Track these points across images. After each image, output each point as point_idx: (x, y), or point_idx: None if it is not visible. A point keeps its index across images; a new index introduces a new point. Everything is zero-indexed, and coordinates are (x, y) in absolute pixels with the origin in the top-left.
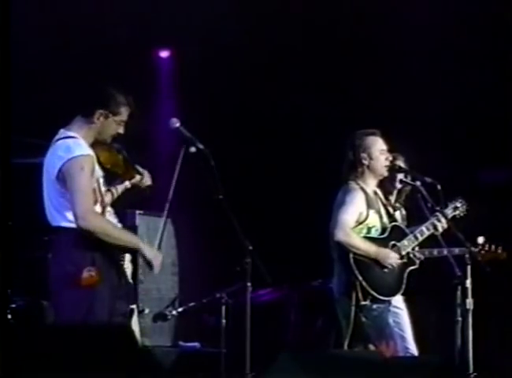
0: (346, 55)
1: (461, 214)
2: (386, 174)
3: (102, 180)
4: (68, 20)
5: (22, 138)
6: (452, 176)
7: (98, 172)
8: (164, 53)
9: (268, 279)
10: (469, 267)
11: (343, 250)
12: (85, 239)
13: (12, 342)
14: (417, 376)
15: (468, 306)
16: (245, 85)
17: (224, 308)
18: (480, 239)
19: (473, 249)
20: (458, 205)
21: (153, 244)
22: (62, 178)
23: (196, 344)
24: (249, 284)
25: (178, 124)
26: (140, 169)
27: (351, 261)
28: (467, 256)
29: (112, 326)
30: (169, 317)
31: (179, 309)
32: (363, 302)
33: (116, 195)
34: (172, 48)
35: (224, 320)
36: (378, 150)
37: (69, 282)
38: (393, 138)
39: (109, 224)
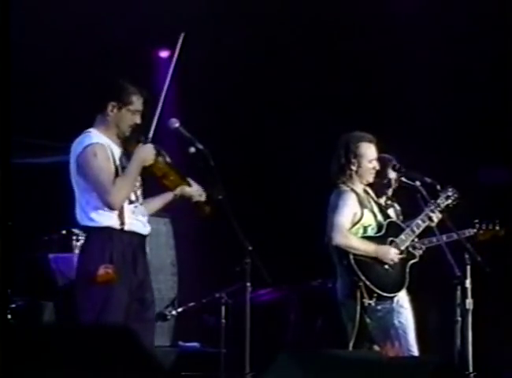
0: (347, 56)
1: (454, 202)
2: (371, 180)
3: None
4: (68, 21)
5: (23, 138)
6: (452, 176)
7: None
8: (164, 54)
9: (268, 279)
10: (468, 267)
11: (343, 252)
12: (105, 238)
13: (12, 343)
14: (417, 376)
15: (467, 306)
16: (245, 85)
17: (223, 308)
18: (476, 220)
19: (470, 230)
20: (450, 193)
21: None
22: (82, 171)
23: (196, 344)
24: (248, 284)
25: (177, 124)
26: (191, 181)
27: (352, 262)
28: (467, 256)
29: (111, 326)
30: (169, 317)
31: (179, 309)
32: (369, 301)
33: (153, 206)
34: (172, 48)
35: (223, 320)
36: (368, 159)
37: (86, 279)
38: (392, 138)
39: (130, 185)
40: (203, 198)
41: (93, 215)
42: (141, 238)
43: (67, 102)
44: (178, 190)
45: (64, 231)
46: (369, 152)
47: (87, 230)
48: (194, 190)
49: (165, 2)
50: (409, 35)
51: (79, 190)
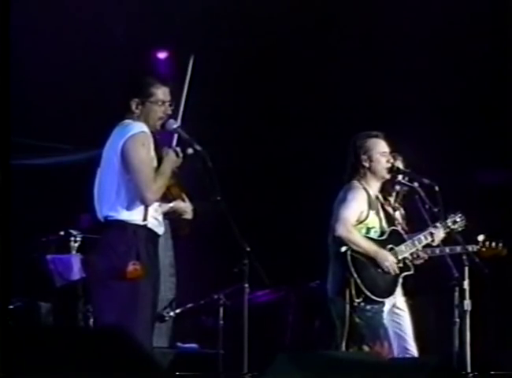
0: (347, 56)
1: (459, 229)
2: (387, 176)
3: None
4: (67, 22)
5: (23, 139)
6: (450, 177)
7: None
8: (162, 55)
9: (266, 280)
10: (466, 268)
11: (341, 246)
12: (130, 233)
13: (12, 343)
14: (416, 377)
15: (466, 307)
16: (244, 86)
17: (221, 309)
18: (481, 237)
19: (473, 246)
20: (458, 219)
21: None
22: (126, 159)
23: (194, 345)
24: (246, 285)
25: (176, 126)
26: (185, 198)
27: (348, 257)
28: (465, 257)
29: (110, 326)
30: (167, 318)
31: (177, 311)
32: (356, 300)
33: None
34: (170, 49)
35: (221, 322)
36: (379, 152)
37: (114, 275)
38: (392, 138)
39: (165, 185)
40: (191, 216)
41: (123, 208)
42: (157, 237)
43: (67, 104)
44: (174, 203)
45: (62, 233)
46: (378, 145)
47: (111, 224)
48: (188, 207)
49: (164, 3)
50: (408, 38)
51: (115, 180)
